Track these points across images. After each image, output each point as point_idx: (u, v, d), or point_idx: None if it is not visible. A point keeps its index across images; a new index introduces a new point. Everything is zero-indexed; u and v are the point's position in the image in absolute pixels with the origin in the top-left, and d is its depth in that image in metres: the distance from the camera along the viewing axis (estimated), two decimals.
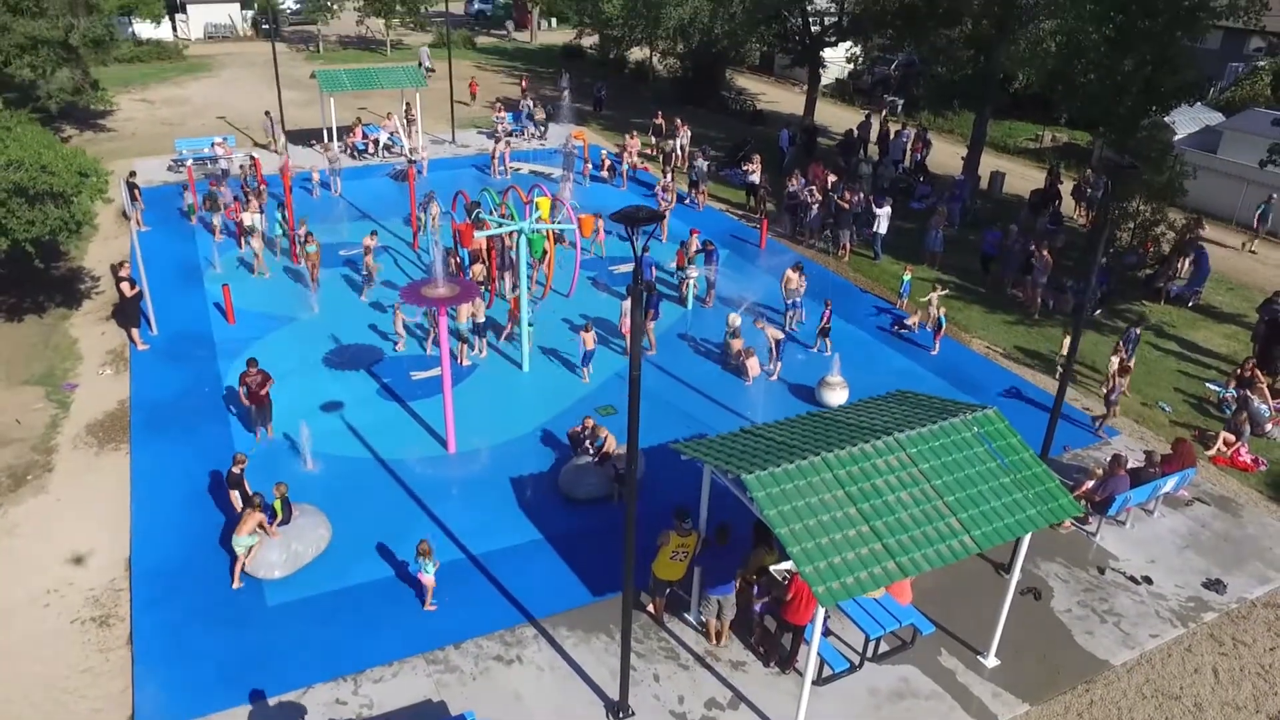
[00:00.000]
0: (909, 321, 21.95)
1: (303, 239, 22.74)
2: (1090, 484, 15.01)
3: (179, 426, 17.21)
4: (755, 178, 29.63)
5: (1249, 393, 18.77)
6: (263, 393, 16.55)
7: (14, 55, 29.51)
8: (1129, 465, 15.05)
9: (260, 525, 13.38)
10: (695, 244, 22.98)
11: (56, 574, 13.81)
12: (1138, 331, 20.41)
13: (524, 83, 44.27)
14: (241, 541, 13.27)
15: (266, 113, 34.14)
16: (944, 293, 21.73)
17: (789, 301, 21.41)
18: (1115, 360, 18.48)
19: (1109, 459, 15.56)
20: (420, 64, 31.25)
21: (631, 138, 32.94)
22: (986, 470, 11.54)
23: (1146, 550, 15.01)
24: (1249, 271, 27.07)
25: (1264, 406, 18.71)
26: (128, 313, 19.99)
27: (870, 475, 11.03)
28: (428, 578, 12.93)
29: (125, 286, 19.63)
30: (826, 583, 9.91)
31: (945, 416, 12.10)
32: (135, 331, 19.98)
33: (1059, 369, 18.93)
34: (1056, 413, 13.56)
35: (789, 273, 21.27)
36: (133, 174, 25.96)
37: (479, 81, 45.44)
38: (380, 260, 23.51)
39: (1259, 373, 19.57)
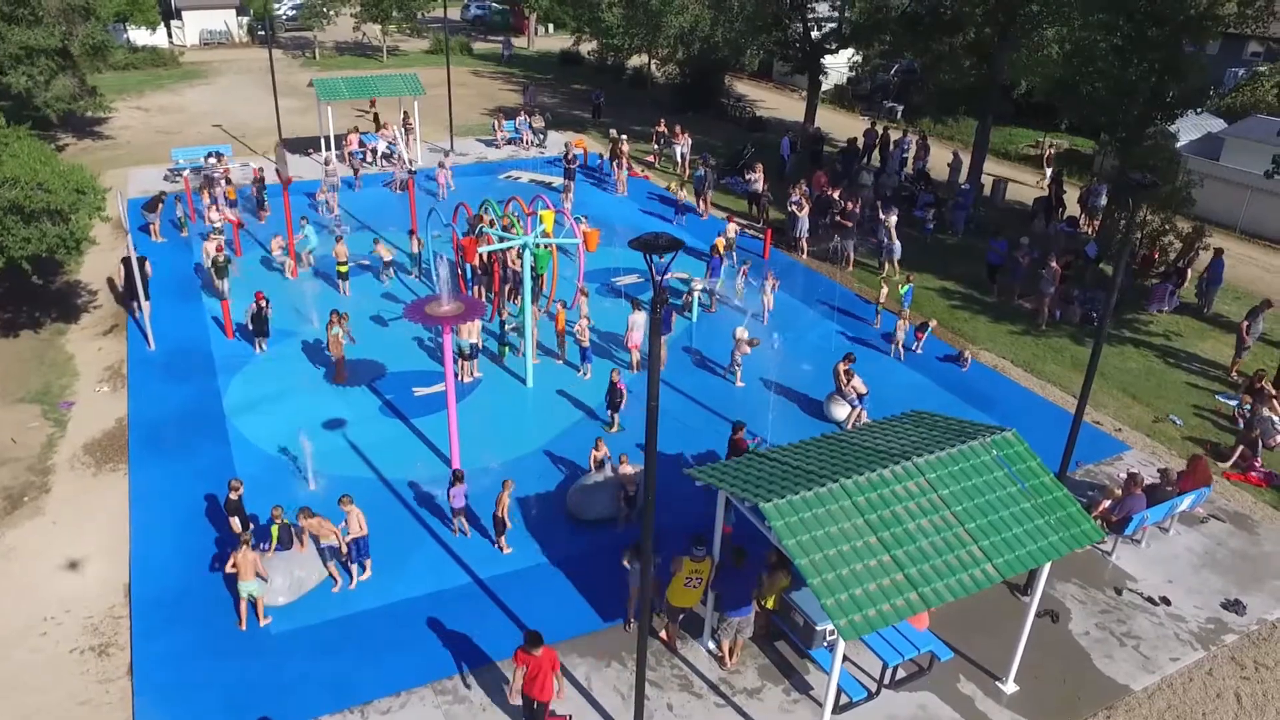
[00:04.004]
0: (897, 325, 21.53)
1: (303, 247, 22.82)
2: (1107, 504, 14.79)
3: (178, 446, 16.93)
4: (758, 186, 29.41)
5: (1261, 405, 18.57)
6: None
7: (9, 65, 29.19)
8: (1145, 483, 14.83)
9: (257, 570, 12.87)
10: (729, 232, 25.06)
11: (54, 601, 13.52)
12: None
13: (526, 95, 43.75)
14: (246, 587, 12.81)
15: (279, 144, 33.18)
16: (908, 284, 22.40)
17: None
18: None
19: (1124, 477, 15.35)
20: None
21: (624, 142, 32.51)
22: (1007, 495, 11.33)
23: (1163, 570, 14.79)
24: (1256, 280, 26.88)
25: (1275, 418, 18.52)
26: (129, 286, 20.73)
27: (889, 502, 10.80)
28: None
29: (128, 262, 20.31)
30: (849, 615, 9.67)
31: (964, 439, 11.88)
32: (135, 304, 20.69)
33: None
34: (1075, 432, 13.33)
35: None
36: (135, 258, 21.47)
37: (472, 87, 45.15)
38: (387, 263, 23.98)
39: (1268, 385, 19.38)
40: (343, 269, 23.19)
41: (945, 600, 10.15)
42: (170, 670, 12.22)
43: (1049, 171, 33.96)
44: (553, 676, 10.88)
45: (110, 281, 23.86)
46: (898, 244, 25.38)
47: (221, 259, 21.65)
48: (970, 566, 10.51)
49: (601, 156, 34.25)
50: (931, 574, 10.30)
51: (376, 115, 36.66)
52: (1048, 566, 11.41)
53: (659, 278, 8.81)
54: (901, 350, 21.07)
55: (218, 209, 25.39)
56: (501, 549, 14.58)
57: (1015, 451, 11.85)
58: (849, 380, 18.04)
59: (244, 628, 12.94)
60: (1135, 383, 20.61)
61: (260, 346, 20.26)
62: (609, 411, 17.96)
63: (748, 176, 30.16)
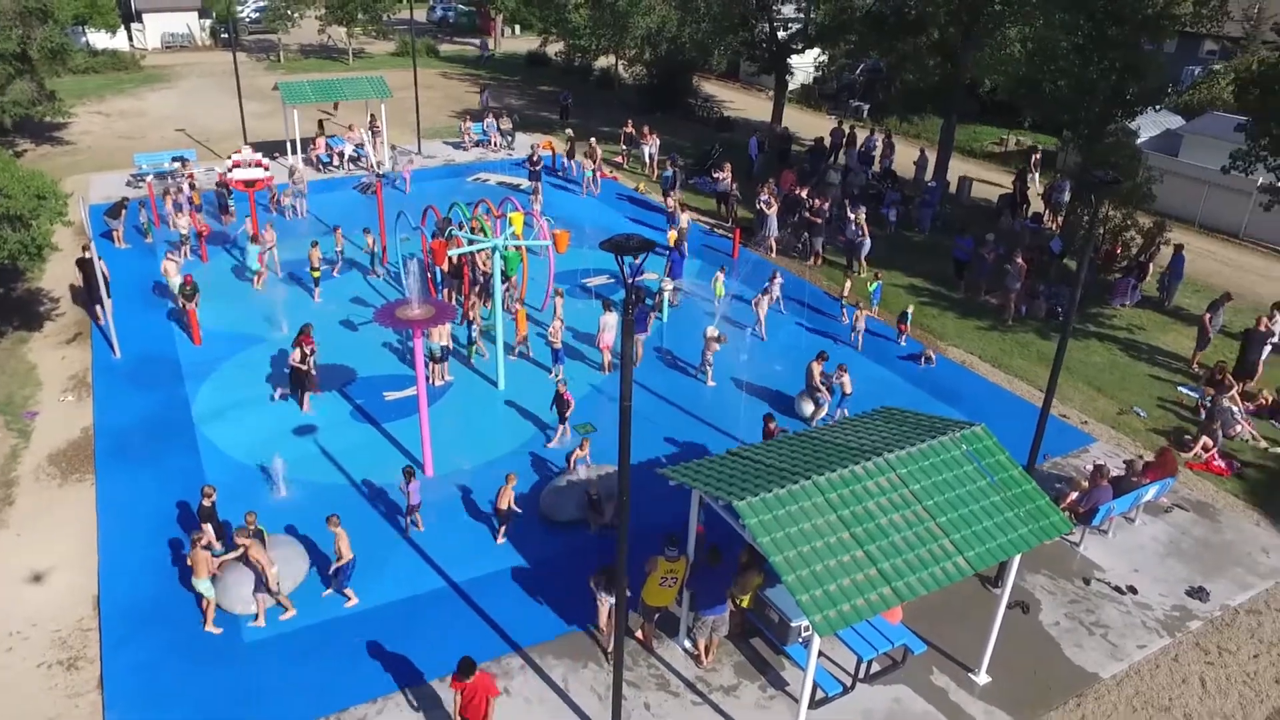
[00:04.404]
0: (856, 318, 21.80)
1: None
2: (1074, 495, 15.03)
3: (146, 455, 16.72)
4: (727, 186, 29.52)
5: (1222, 396, 18.94)
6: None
7: None
8: (1111, 475, 15.09)
9: (212, 569, 12.81)
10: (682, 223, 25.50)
11: (19, 614, 13.30)
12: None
13: (482, 99, 43.02)
14: (203, 585, 12.75)
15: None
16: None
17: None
18: None
19: (1091, 469, 15.61)
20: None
21: (595, 143, 32.54)
22: (977, 489, 11.48)
23: (1129, 559, 15.05)
24: (1215, 274, 27.40)
25: (1235, 408, 18.90)
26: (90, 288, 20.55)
27: (862, 498, 10.92)
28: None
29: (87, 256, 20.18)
30: (823, 611, 9.76)
31: (934, 435, 12.02)
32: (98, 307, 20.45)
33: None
34: (1042, 425, 13.54)
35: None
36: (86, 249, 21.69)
37: (439, 89, 44.91)
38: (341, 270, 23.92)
39: (1229, 377, 19.78)
40: (315, 274, 23.01)
41: (918, 594, 10.27)
42: (142, 682, 12.08)
43: (1036, 175, 34.24)
44: (488, 701, 10.76)
45: (73, 288, 23.50)
46: (867, 240, 25.60)
47: (189, 288, 20.61)
48: (942, 560, 10.65)
49: (558, 155, 34.17)
50: (904, 568, 10.42)
51: (321, 122, 35.96)
52: (1018, 558, 11.58)
53: (631, 279, 8.85)
54: (861, 339, 21.42)
55: (182, 215, 25.05)
56: (496, 538, 14.84)
57: (984, 446, 12.01)
58: (840, 377, 18.13)
59: (214, 630, 12.85)
60: (1100, 376, 20.95)
61: (305, 405, 18.31)
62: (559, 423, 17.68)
63: (716, 176, 30.29)
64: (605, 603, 12.63)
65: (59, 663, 12.57)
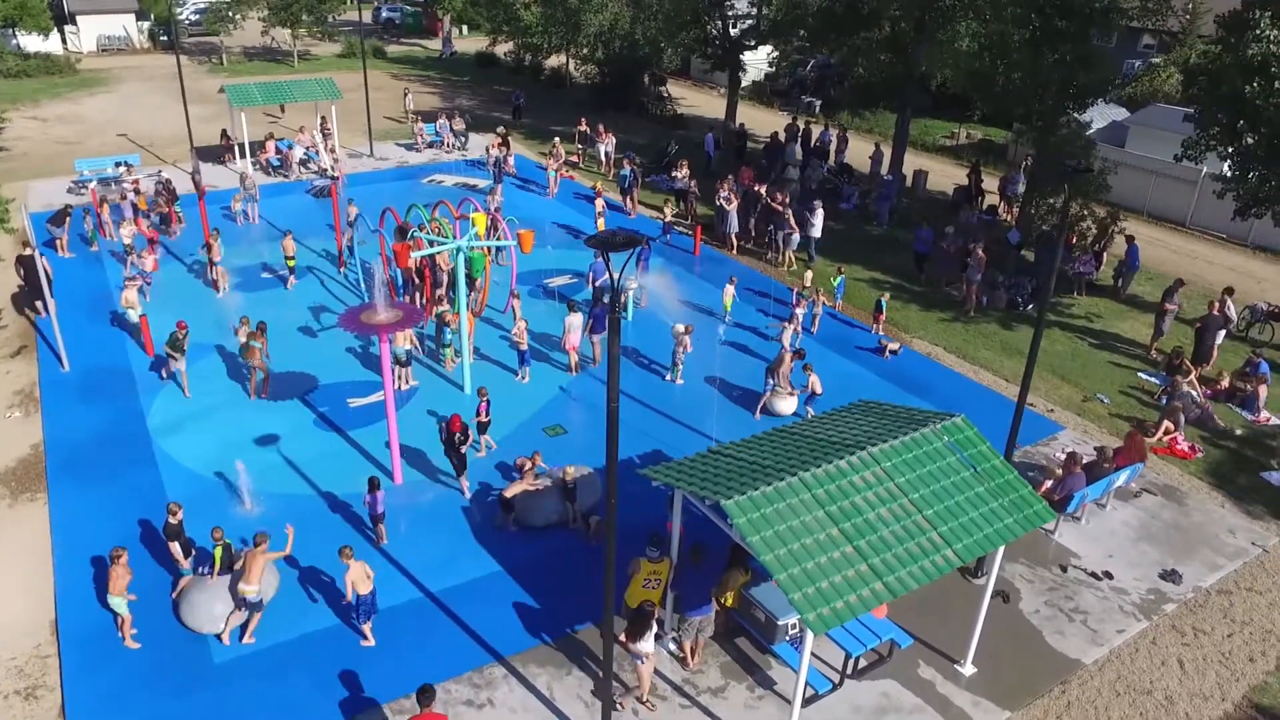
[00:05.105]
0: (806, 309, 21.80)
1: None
2: (1049, 484, 15.14)
3: (101, 470, 16.08)
4: (686, 184, 29.41)
5: (1180, 380, 19.28)
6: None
7: None
8: (1084, 461, 15.23)
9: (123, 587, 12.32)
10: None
11: None
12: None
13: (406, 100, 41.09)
14: (118, 603, 12.26)
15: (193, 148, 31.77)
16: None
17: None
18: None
19: (1063, 456, 15.73)
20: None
21: (558, 144, 32.31)
22: (961, 481, 11.46)
23: (1103, 545, 15.20)
24: (1165, 262, 27.93)
25: (1194, 393, 19.25)
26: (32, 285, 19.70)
27: (849, 493, 10.83)
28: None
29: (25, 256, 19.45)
30: (817, 609, 9.64)
31: (915, 427, 11.98)
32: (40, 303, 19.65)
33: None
34: (1019, 416, 13.58)
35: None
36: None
37: (388, 90, 44.17)
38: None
39: (1188, 362, 20.14)
40: (290, 262, 23.10)
41: (909, 588, 10.21)
42: (107, 710, 11.56)
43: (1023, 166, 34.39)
44: None
45: (15, 299, 22.60)
46: (796, 234, 25.82)
47: (180, 334, 18.05)
48: (931, 553, 10.60)
49: (487, 149, 33.30)
50: (894, 563, 10.34)
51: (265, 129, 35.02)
52: (1002, 549, 11.58)
53: (617, 275, 8.65)
54: (816, 323, 21.73)
55: (126, 224, 24.25)
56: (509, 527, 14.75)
57: (965, 436, 12.00)
58: (807, 376, 18.02)
59: (133, 645, 12.42)
60: (1063, 364, 21.21)
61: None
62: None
63: (674, 174, 30.15)
64: (649, 658, 11.52)
65: (16, 692, 11.99)
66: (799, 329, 20.68)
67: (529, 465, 15.20)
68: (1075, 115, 26.36)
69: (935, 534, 10.76)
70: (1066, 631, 13.35)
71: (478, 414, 16.53)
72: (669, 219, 27.54)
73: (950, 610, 13.38)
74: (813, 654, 12.47)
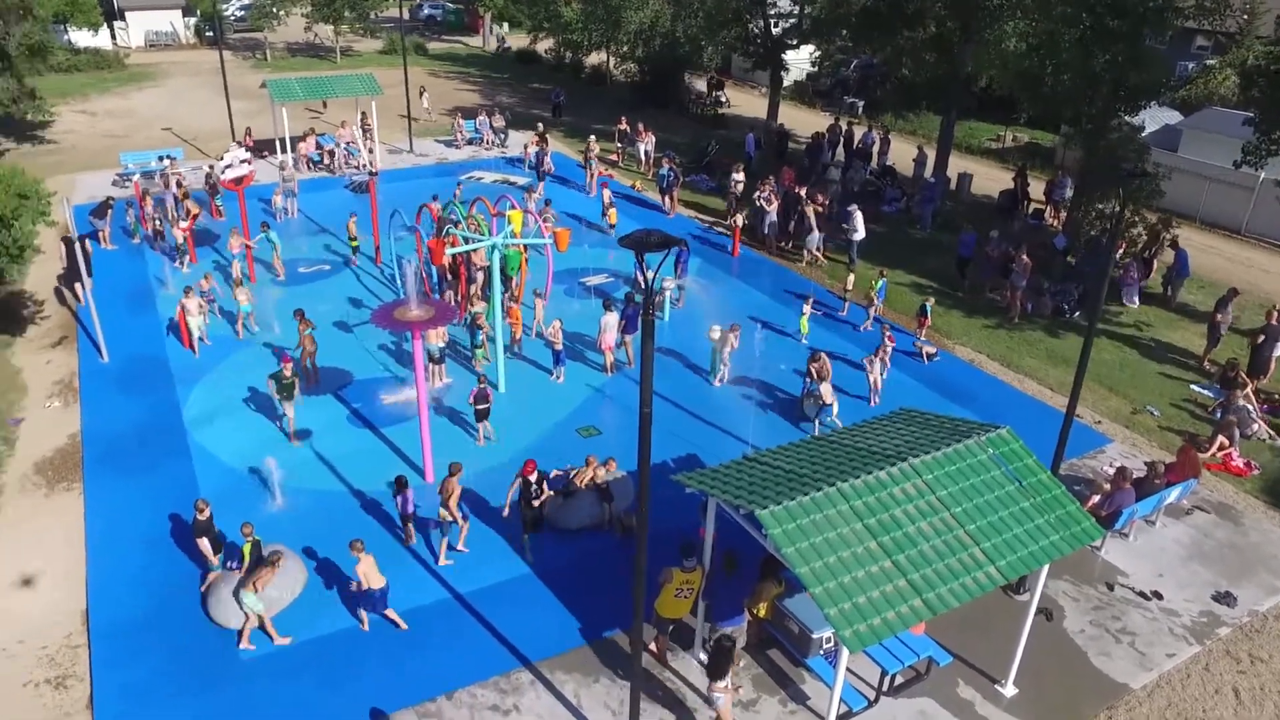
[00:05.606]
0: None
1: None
2: (1096, 498, 14.64)
3: (136, 462, 16.14)
4: (740, 189, 28.49)
5: (1236, 393, 18.61)
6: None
7: None
8: (1133, 476, 14.70)
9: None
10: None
11: (5, 631, 12.72)
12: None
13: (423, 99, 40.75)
14: (250, 601, 12.16)
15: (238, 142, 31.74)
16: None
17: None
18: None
19: (1111, 470, 15.22)
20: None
21: (591, 142, 32.08)
22: (1005, 495, 11.06)
23: (1153, 563, 14.66)
24: (1219, 270, 27.10)
25: (1250, 407, 18.57)
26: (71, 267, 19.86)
27: (888, 505, 10.47)
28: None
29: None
30: (854, 625, 9.31)
31: (958, 438, 11.59)
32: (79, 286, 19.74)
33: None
34: (1067, 428, 13.11)
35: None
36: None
37: (429, 87, 44.26)
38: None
39: (1243, 375, 19.44)
40: (354, 243, 24.11)
41: (950, 606, 9.84)
42: (133, 703, 11.53)
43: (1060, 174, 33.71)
44: None
45: (57, 290, 22.87)
46: (860, 232, 25.14)
47: (288, 375, 16.42)
48: (973, 569, 10.21)
49: (525, 146, 33.53)
50: (935, 579, 9.98)
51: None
52: (1046, 566, 11.15)
53: (650, 275, 8.39)
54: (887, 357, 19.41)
55: (181, 221, 24.43)
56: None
57: (1011, 449, 11.59)
58: (821, 381, 17.56)
59: (249, 646, 12.36)
60: (1111, 374, 20.59)
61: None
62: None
63: (733, 179, 29.06)
64: (729, 693, 10.93)
65: (46, 681, 12.02)
66: (886, 359, 18.80)
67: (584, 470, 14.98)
68: (1127, 118, 25.63)
69: (978, 550, 10.37)
70: (1113, 653, 12.86)
71: (474, 398, 16.51)
72: (740, 225, 26.92)
73: (991, 627, 12.95)
74: (848, 669, 12.15)
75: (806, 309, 21.06)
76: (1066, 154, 33.83)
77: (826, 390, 17.40)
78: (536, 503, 14.05)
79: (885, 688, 11.84)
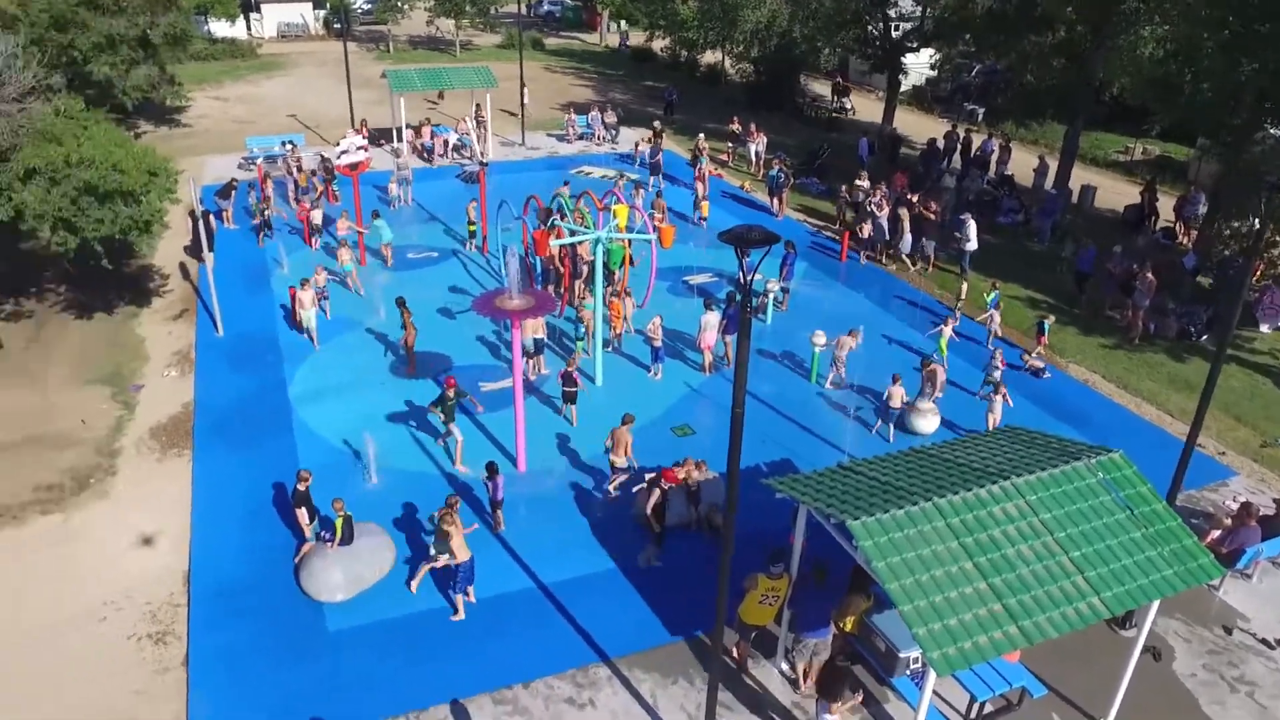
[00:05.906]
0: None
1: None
2: (1216, 534, 13.72)
3: (243, 434, 16.75)
4: (860, 194, 27.81)
5: None
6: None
7: (93, 54, 29.64)
8: (1260, 514, 13.72)
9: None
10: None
11: (115, 585, 13.36)
12: None
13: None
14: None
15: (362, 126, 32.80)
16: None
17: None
18: None
19: (1234, 505, 14.25)
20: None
21: (700, 141, 31.91)
22: (1115, 523, 10.42)
23: (1278, 609, 13.65)
24: None
25: None
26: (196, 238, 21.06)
27: (987, 525, 9.99)
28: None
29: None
30: (942, 648, 8.90)
31: (1066, 459, 10.99)
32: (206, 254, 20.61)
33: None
34: (1187, 456, 12.32)
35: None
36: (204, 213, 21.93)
37: (543, 82, 44.77)
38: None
39: None
40: (472, 228, 24.98)
41: (1048, 636, 9.31)
42: (226, 664, 11.94)
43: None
44: None
45: (183, 265, 23.98)
46: (973, 242, 24.21)
47: (451, 396, 15.83)
48: (1076, 599, 9.65)
49: (636, 146, 33.72)
50: (1033, 605, 9.46)
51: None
52: (1157, 602, 10.46)
53: (749, 274, 8.19)
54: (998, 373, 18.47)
55: (304, 200, 25.43)
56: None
57: (1124, 475, 10.92)
58: (893, 383, 17.12)
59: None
60: (1239, 403, 19.31)
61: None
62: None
63: (856, 184, 28.39)
64: (847, 701, 10.64)
65: (148, 636, 12.55)
66: (1007, 398, 17.69)
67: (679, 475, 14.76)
68: (1273, 130, 24.00)
69: (1081, 578, 9.80)
70: (1228, 703, 12.01)
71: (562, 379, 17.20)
72: (864, 235, 26.11)
73: (1092, 661, 12.27)
74: (935, 693, 11.69)
75: (947, 330, 19.62)
76: (1201, 168, 32.02)
77: (897, 394, 16.99)
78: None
79: (973, 715, 11.33)
